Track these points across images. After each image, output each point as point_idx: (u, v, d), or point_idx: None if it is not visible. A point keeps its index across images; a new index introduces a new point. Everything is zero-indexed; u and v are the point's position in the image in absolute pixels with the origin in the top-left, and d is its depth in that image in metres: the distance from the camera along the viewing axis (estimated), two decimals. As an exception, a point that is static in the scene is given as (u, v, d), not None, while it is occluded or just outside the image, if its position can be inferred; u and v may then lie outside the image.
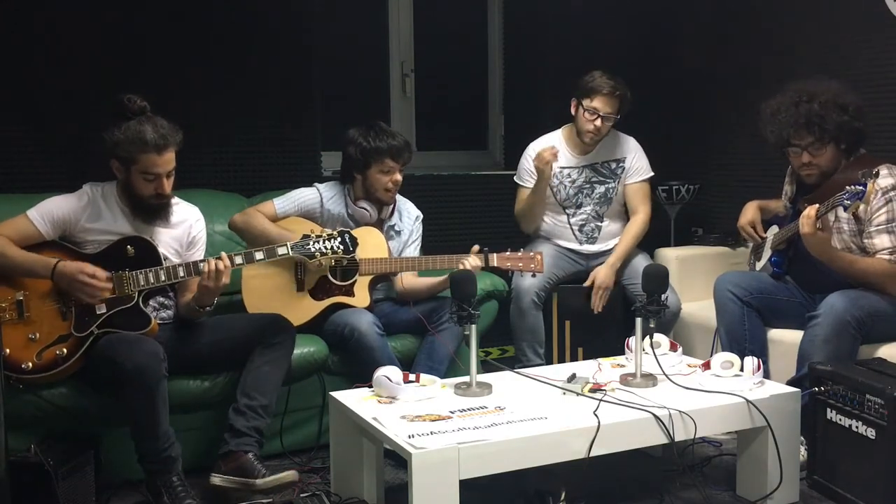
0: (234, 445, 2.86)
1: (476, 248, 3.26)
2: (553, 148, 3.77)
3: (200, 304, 2.98)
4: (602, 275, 3.81)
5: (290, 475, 2.82)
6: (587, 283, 3.82)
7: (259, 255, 2.95)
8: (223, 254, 2.91)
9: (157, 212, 2.97)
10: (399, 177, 3.41)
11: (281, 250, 2.95)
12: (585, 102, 3.76)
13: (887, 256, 3.08)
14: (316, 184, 3.53)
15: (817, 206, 3.04)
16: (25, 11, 3.61)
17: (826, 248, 3.09)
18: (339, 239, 2.97)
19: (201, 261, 2.91)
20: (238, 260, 2.93)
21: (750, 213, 3.63)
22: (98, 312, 2.83)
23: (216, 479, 2.82)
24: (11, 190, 3.49)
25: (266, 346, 2.96)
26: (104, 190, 2.98)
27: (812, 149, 3.19)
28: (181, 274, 2.90)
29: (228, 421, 2.89)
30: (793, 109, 3.18)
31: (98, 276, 2.81)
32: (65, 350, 2.81)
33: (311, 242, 2.95)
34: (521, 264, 3.31)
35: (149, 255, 2.91)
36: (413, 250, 3.54)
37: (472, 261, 3.20)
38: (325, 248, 2.95)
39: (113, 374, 2.72)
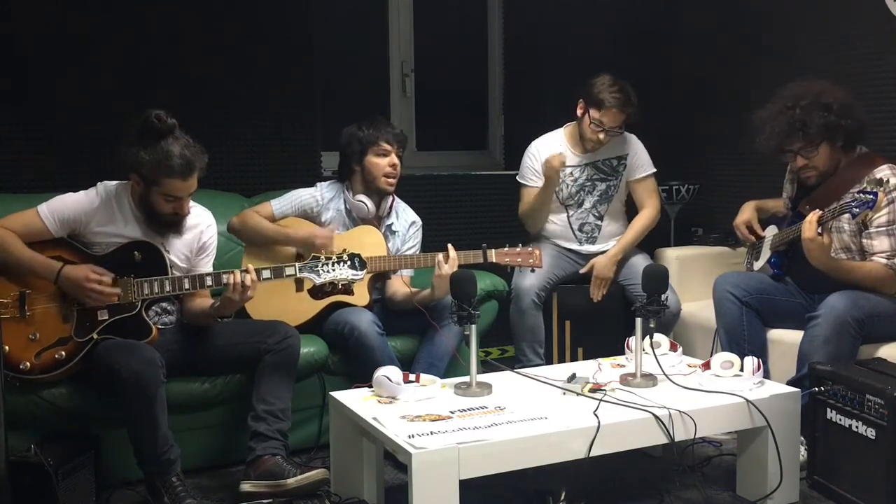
0: (260, 450, 2.86)
1: (450, 245, 3.21)
2: (561, 155, 3.75)
3: (220, 314, 2.97)
4: (601, 265, 3.80)
5: (319, 473, 2.82)
6: (584, 271, 3.82)
7: (289, 271, 2.95)
8: (250, 266, 2.89)
9: (171, 226, 2.94)
10: (397, 161, 3.40)
11: (288, 270, 2.96)
12: (592, 112, 3.72)
13: (884, 260, 3.08)
14: (318, 183, 3.53)
15: (820, 212, 3.04)
16: (27, 11, 3.61)
17: (825, 254, 3.08)
18: (348, 263, 2.97)
19: (225, 272, 2.90)
20: (266, 274, 2.92)
21: (747, 212, 3.62)
22: (100, 318, 2.82)
23: (246, 486, 2.82)
24: (11, 190, 3.48)
25: (274, 354, 2.96)
26: (117, 191, 2.93)
27: (804, 152, 3.20)
28: (186, 286, 2.89)
29: (251, 429, 2.89)
30: (779, 118, 3.20)
31: (104, 282, 2.78)
32: (63, 353, 2.80)
33: (321, 265, 2.96)
34: (519, 259, 3.31)
35: (155, 263, 2.89)
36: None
37: (443, 260, 3.16)
38: (334, 270, 2.96)
39: (110, 380, 2.71)
